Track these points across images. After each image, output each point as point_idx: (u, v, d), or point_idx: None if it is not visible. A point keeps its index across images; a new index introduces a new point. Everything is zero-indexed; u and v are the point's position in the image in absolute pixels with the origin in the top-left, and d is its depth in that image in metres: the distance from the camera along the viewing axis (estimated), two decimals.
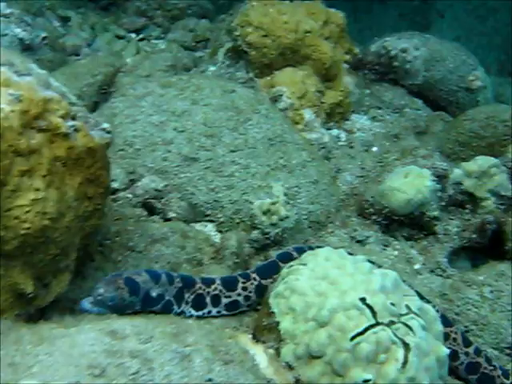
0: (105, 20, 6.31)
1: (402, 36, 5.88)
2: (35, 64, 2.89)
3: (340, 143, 5.20)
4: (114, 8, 6.74)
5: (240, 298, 3.30)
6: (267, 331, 2.98)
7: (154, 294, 2.95)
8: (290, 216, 4.17)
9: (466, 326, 3.80)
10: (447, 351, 2.93)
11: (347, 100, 5.41)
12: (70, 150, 2.73)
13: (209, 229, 4.02)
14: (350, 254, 3.36)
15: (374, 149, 5.20)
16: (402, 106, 5.73)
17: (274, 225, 4.10)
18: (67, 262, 2.78)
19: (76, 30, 5.84)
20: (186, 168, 4.10)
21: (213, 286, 3.22)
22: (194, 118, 4.28)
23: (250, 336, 2.98)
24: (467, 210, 4.50)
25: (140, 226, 3.60)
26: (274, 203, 4.13)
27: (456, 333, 3.45)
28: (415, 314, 2.90)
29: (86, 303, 2.77)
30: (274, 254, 3.91)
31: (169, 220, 3.90)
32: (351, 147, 5.19)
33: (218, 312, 3.25)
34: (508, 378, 3.47)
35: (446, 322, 3.44)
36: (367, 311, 2.79)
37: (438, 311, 3.26)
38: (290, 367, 2.82)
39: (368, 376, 2.66)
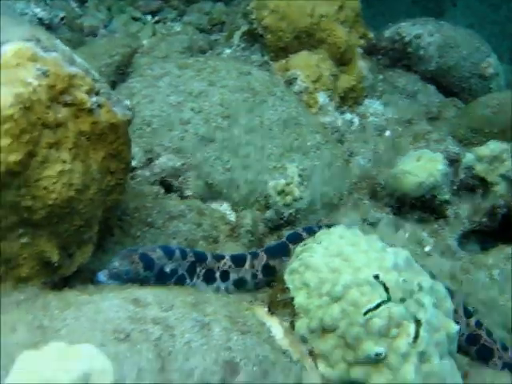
0: (121, 2, 6.32)
1: (416, 22, 5.89)
2: (59, 40, 2.96)
3: (353, 127, 5.25)
4: None
5: (247, 276, 3.39)
6: (282, 306, 3.03)
7: (167, 269, 3.04)
8: (303, 197, 4.24)
9: (474, 307, 3.83)
10: (457, 328, 2.98)
11: (361, 85, 5.44)
12: (93, 125, 2.81)
13: (224, 208, 4.09)
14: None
15: (387, 133, 5.23)
16: (415, 91, 5.75)
17: (287, 205, 4.17)
18: (90, 234, 2.86)
19: (93, 11, 5.89)
20: (202, 148, 4.16)
21: (222, 262, 3.31)
22: (210, 98, 4.34)
23: (266, 309, 3.04)
24: (478, 194, 4.55)
25: (158, 202, 3.68)
26: (288, 184, 4.20)
27: (458, 304, 3.50)
28: (426, 291, 2.94)
29: (102, 275, 2.84)
30: (286, 233, 4.01)
31: (185, 198, 3.97)
32: (364, 132, 5.23)
33: (226, 288, 3.33)
34: (507, 351, 3.55)
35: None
36: (380, 287, 2.83)
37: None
38: (304, 340, 2.88)
39: (380, 349, 2.70)
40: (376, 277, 2.87)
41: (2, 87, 2.38)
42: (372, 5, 7.69)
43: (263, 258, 3.43)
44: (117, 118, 2.96)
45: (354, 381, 2.73)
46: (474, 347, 3.51)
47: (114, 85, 4.58)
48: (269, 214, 4.13)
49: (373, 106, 5.51)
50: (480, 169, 4.51)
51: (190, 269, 3.17)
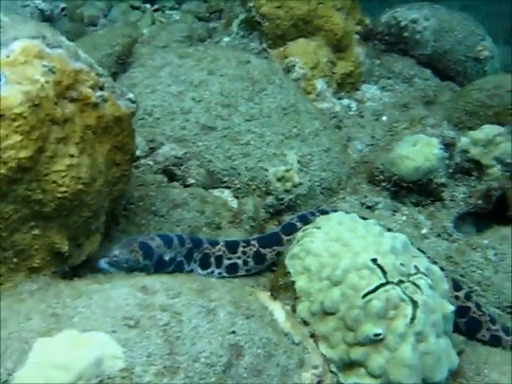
0: None
1: (412, 7, 5.92)
2: (64, 37, 3.03)
3: (351, 112, 5.31)
4: None
5: (239, 262, 3.48)
6: (283, 290, 3.12)
7: (166, 257, 3.13)
8: (303, 183, 4.33)
9: (470, 287, 3.93)
10: (452, 308, 3.07)
11: (358, 70, 5.51)
12: (99, 119, 2.90)
13: (226, 195, 4.19)
14: (363, 218, 3.52)
15: (384, 118, 5.29)
16: (412, 76, 5.79)
17: (287, 191, 4.26)
18: (97, 224, 2.97)
19: (92, 0, 5.92)
20: (203, 136, 4.25)
21: (217, 247, 3.41)
22: (210, 88, 4.42)
23: (269, 293, 3.12)
24: (473, 177, 4.63)
25: (161, 191, 3.77)
26: (288, 170, 4.28)
27: (446, 277, 3.52)
28: (423, 273, 3.03)
29: (103, 262, 2.90)
30: (287, 218, 4.10)
31: (188, 186, 4.06)
32: (361, 116, 5.29)
33: (220, 274, 3.43)
34: (495, 325, 3.63)
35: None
36: (378, 271, 2.92)
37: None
38: (305, 323, 2.98)
39: (378, 330, 2.79)
40: (374, 261, 2.95)
41: (11, 85, 2.46)
42: None
43: (255, 245, 3.52)
44: (121, 111, 3.05)
45: (354, 361, 2.83)
46: (462, 319, 3.56)
47: (115, 75, 4.62)
48: (269, 200, 4.22)
49: (370, 90, 5.58)
50: (475, 152, 4.57)
51: (188, 255, 3.26)
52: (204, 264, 3.36)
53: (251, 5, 5.25)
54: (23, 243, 2.63)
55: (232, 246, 3.47)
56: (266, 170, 4.28)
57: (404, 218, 4.52)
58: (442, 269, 3.56)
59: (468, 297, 3.65)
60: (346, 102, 5.39)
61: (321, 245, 3.14)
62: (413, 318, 2.84)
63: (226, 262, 3.44)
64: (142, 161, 4.01)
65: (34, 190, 2.55)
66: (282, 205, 4.27)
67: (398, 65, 5.84)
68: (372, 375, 2.82)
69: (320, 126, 4.69)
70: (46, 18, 4.86)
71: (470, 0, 8.62)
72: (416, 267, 3.06)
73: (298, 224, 3.60)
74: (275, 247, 3.57)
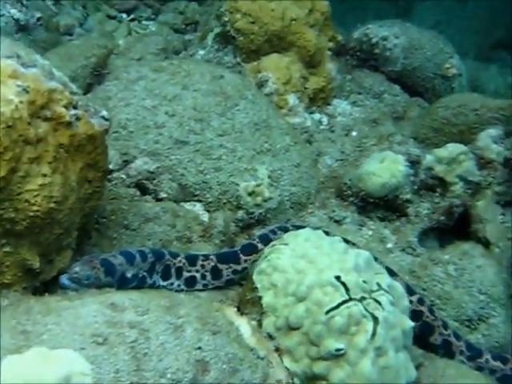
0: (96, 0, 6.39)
1: (383, 24, 6.00)
2: (38, 55, 3.07)
3: (322, 127, 5.38)
4: None
5: (198, 275, 3.51)
6: (250, 304, 3.20)
7: (129, 275, 3.13)
8: (273, 197, 4.40)
9: (432, 301, 4.05)
10: (412, 324, 3.17)
11: (329, 86, 5.58)
12: (72, 138, 2.95)
13: (197, 208, 4.24)
14: (328, 233, 3.60)
15: (354, 133, 5.37)
16: (382, 91, 5.87)
17: (258, 205, 4.34)
18: (69, 240, 3.03)
19: (68, 9, 5.93)
20: (176, 151, 4.30)
21: (178, 259, 3.44)
22: (184, 102, 4.46)
23: (235, 309, 3.20)
24: (437, 194, 4.70)
25: (134, 205, 3.82)
26: (258, 185, 4.35)
27: (400, 281, 3.59)
28: (385, 290, 3.12)
29: (65, 279, 2.90)
30: (257, 232, 4.19)
31: (160, 200, 4.12)
32: (332, 131, 5.36)
33: (179, 286, 3.45)
34: (447, 330, 3.72)
35: (391, 272, 3.61)
36: (341, 288, 3.01)
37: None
38: (270, 337, 3.06)
39: (340, 345, 2.88)
40: (338, 278, 3.04)
41: None
42: (343, 1, 7.84)
43: (213, 260, 3.57)
44: (94, 129, 3.10)
45: (317, 374, 2.92)
46: (416, 323, 3.50)
47: (90, 86, 4.67)
48: (240, 214, 4.28)
49: (341, 105, 5.65)
50: (439, 170, 4.66)
51: (150, 269, 3.28)
52: (165, 275, 3.39)
53: (226, 19, 5.30)
54: None
55: (192, 259, 3.51)
56: (237, 184, 4.34)
57: (370, 232, 4.60)
58: (393, 272, 3.69)
59: (421, 301, 3.73)
60: (317, 116, 5.47)
61: (287, 261, 3.21)
62: (373, 334, 2.93)
63: (186, 274, 3.47)
64: (115, 174, 4.05)
65: (7, 209, 2.61)
66: (252, 219, 4.34)
67: (369, 80, 5.92)
68: None
69: (291, 142, 4.76)
70: (22, 27, 4.87)
71: (442, 16, 8.82)
72: (378, 284, 3.15)
73: (259, 245, 3.67)
74: (232, 265, 3.61)
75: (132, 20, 6.35)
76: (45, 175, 2.71)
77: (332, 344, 2.90)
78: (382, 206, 4.69)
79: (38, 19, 5.07)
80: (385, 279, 3.25)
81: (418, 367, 3.28)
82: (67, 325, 2.50)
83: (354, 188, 4.68)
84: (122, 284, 3.09)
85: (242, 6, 5.27)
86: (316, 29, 5.47)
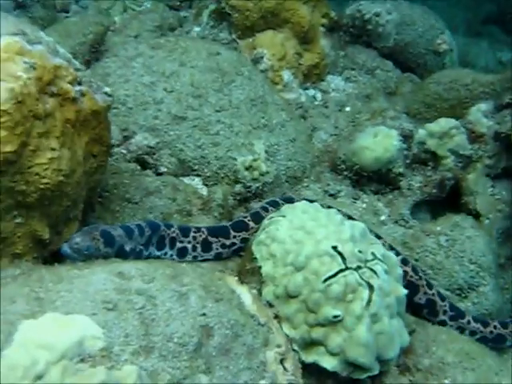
0: None
1: (375, 0, 6.08)
2: (42, 32, 3.14)
3: (316, 103, 5.48)
4: None
5: (189, 246, 3.56)
6: (250, 274, 3.31)
7: (127, 248, 3.18)
8: (269, 171, 4.51)
9: (423, 271, 4.16)
10: (405, 292, 3.30)
11: (323, 62, 5.66)
12: (77, 113, 3.03)
13: (196, 182, 4.34)
14: (328, 206, 3.70)
15: (347, 108, 5.45)
16: (374, 67, 5.95)
17: (255, 179, 4.44)
18: (76, 212, 3.12)
19: None
20: (175, 126, 4.38)
21: (172, 229, 3.50)
22: (181, 79, 4.54)
23: (236, 278, 3.31)
24: (429, 167, 4.79)
25: (135, 179, 3.91)
26: (255, 160, 4.45)
27: (384, 244, 3.73)
28: (379, 259, 3.23)
29: (66, 247, 2.97)
30: (254, 205, 4.29)
31: (160, 174, 4.21)
32: (326, 107, 5.44)
33: (171, 256, 3.50)
34: (431, 289, 3.83)
35: (377, 235, 3.73)
36: (338, 257, 3.12)
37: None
38: (270, 305, 3.17)
39: (337, 312, 3.00)
40: (334, 248, 3.15)
41: None
42: None
43: (204, 233, 3.62)
44: (98, 105, 3.18)
45: (315, 340, 3.04)
46: None
47: (88, 63, 4.71)
48: (238, 188, 4.39)
49: (334, 81, 5.74)
50: (431, 144, 4.74)
51: (147, 242, 3.35)
52: (159, 246, 3.45)
53: None
54: (7, 231, 2.77)
55: (185, 231, 3.57)
56: (235, 159, 4.43)
57: (364, 205, 4.71)
58: (378, 236, 3.76)
59: (405, 262, 3.82)
60: (311, 92, 5.56)
61: (285, 232, 3.31)
62: (369, 301, 3.05)
63: (178, 244, 3.53)
64: (116, 149, 4.12)
65: (18, 182, 2.69)
66: (249, 192, 4.44)
67: (362, 56, 5.99)
68: (331, 353, 3.03)
69: (286, 117, 4.85)
70: (20, 4, 4.90)
71: None
72: (373, 254, 3.26)
73: (250, 223, 3.75)
74: (221, 239, 3.67)
75: None
76: (53, 149, 2.79)
77: (329, 311, 3.01)
78: (376, 179, 4.79)
79: None
80: (379, 249, 3.37)
81: (410, 333, 3.41)
82: (78, 292, 2.59)
83: (348, 162, 4.78)
84: (120, 256, 3.13)
85: None
86: (310, 5, 5.52)
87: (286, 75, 5.31)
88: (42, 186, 2.77)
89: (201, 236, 3.60)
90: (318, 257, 3.13)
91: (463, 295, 4.18)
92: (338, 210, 3.65)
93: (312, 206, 3.58)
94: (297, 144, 4.82)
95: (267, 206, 3.88)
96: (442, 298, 3.89)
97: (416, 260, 4.27)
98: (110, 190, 3.76)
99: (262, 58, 5.26)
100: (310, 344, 3.08)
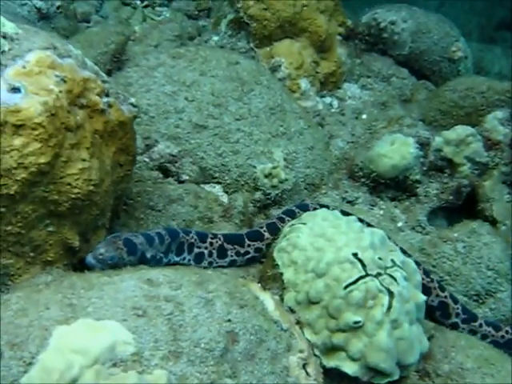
0: None
1: (391, 8, 6.12)
2: (71, 45, 3.23)
3: (332, 110, 5.53)
4: None
5: (206, 252, 3.63)
6: (272, 280, 3.37)
7: (148, 255, 3.24)
8: (288, 179, 4.57)
9: (441, 277, 4.23)
10: (424, 298, 3.34)
11: (340, 70, 5.72)
12: (105, 124, 3.12)
13: (216, 190, 4.42)
14: (348, 213, 3.75)
15: (364, 116, 5.50)
16: (390, 75, 6.01)
17: (274, 187, 4.51)
18: (104, 220, 3.20)
19: None
20: (196, 135, 4.46)
21: (190, 235, 3.57)
22: (202, 88, 4.61)
23: (259, 284, 3.35)
24: (446, 174, 4.82)
25: (158, 187, 3.99)
26: (274, 167, 4.52)
27: (396, 245, 3.73)
28: (399, 266, 3.28)
29: (91, 258, 3.02)
30: (274, 212, 4.36)
31: (182, 182, 4.28)
32: (343, 114, 5.50)
33: (189, 260, 3.56)
34: (443, 291, 3.88)
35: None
36: (358, 264, 3.16)
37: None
38: (291, 311, 3.21)
39: (358, 318, 3.04)
40: (355, 255, 3.20)
41: (30, 96, 2.68)
42: None
43: (221, 239, 3.70)
44: (124, 115, 3.27)
45: (336, 345, 3.09)
46: None
47: (109, 73, 4.75)
48: (257, 195, 4.46)
49: (351, 89, 5.80)
50: (448, 151, 4.78)
51: (166, 250, 3.41)
52: (179, 251, 3.50)
53: (239, 6, 5.43)
54: (39, 239, 2.86)
55: (202, 236, 3.63)
56: (255, 166, 4.50)
57: (381, 212, 4.75)
58: (388, 237, 3.74)
59: (416, 264, 3.78)
60: (328, 100, 5.62)
61: (306, 240, 3.36)
62: (389, 307, 3.08)
63: (196, 250, 3.58)
64: (139, 157, 4.17)
65: (51, 192, 2.78)
66: (268, 199, 4.51)
67: (377, 64, 6.05)
68: (352, 358, 3.07)
69: (304, 125, 4.92)
70: (43, 16, 4.99)
71: None
72: (392, 260, 3.31)
73: (265, 234, 3.83)
74: (236, 246, 3.74)
75: (146, 6, 6.43)
76: (84, 160, 2.88)
77: (350, 317, 3.06)
78: (393, 186, 4.83)
79: (58, 7, 5.18)
80: (398, 256, 3.41)
81: (429, 339, 3.44)
82: (109, 298, 2.67)
83: (365, 169, 4.83)
84: (141, 263, 3.18)
85: None
86: (326, 14, 5.58)
87: (304, 83, 5.38)
88: (73, 196, 2.85)
89: (217, 242, 3.68)
90: (338, 264, 3.18)
91: (480, 301, 4.21)
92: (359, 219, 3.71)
93: (332, 213, 3.63)
94: (315, 151, 4.89)
95: (284, 216, 3.93)
96: (455, 301, 3.92)
97: (433, 266, 4.31)
98: (134, 198, 3.83)
99: (280, 66, 5.33)
100: (331, 349, 3.12)
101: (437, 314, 3.88)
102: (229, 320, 2.82)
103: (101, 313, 2.61)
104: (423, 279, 3.79)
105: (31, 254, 2.87)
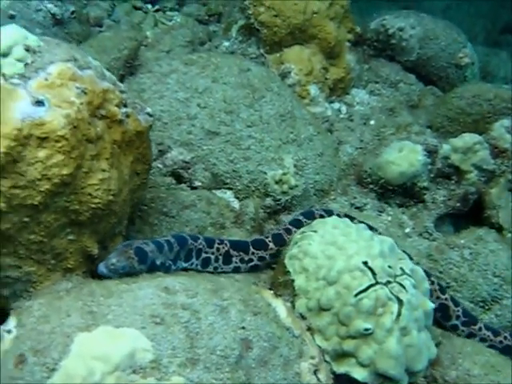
0: None
1: (399, 15, 6.15)
2: (89, 56, 3.28)
3: (341, 116, 5.57)
4: None
5: (212, 257, 3.67)
6: (283, 287, 3.42)
7: (158, 262, 3.27)
8: (298, 185, 4.62)
9: (447, 283, 4.27)
10: (432, 305, 3.39)
11: (349, 76, 5.76)
12: (124, 134, 3.18)
13: (228, 196, 4.48)
14: (351, 217, 3.83)
15: (372, 122, 5.54)
16: (397, 81, 6.04)
17: (284, 193, 4.56)
18: (121, 228, 3.27)
19: (97, 1, 6.09)
20: (208, 141, 4.51)
21: (198, 241, 3.60)
22: (214, 95, 4.66)
23: (271, 292, 3.40)
24: (453, 182, 4.86)
25: (171, 193, 4.04)
26: (285, 174, 4.57)
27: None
28: (407, 274, 3.32)
29: (103, 267, 3.07)
30: (284, 218, 4.43)
31: (195, 188, 4.35)
32: (351, 120, 5.54)
33: (196, 265, 3.60)
34: (444, 294, 3.92)
35: None
36: (369, 272, 3.21)
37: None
38: (302, 317, 3.27)
39: (368, 325, 3.09)
40: (365, 263, 3.25)
41: (53, 109, 2.75)
42: None
43: (227, 245, 3.74)
44: (141, 125, 3.32)
45: (346, 352, 3.14)
46: None
47: (122, 78, 4.83)
48: (268, 201, 4.52)
49: (359, 95, 5.84)
50: (455, 158, 4.83)
51: (175, 257, 3.45)
52: (187, 258, 3.54)
53: (250, 12, 5.48)
54: (60, 247, 2.93)
55: (210, 241, 3.68)
56: (265, 173, 4.56)
57: (389, 218, 4.81)
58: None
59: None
60: (336, 105, 5.66)
61: (317, 247, 3.41)
62: (398, 315, 3.13)
63: (203, 255, 3.62)
64: (152, 164, 4.25)
65: (72, 202, 2.85)
66: (278, 205, 4.56)
67: (385, 70, 6.08)
68: (361, 365, 3.12)
69: (314, 131, 4.97)
70: (58, 21, 5.04)
71: (452, 0, 8.90)
72: (402, 269, 3.35)
73: (270, 244, 3.88)
74: (241, 253, 3.78)
75: (157, 11, 6.49)
76: (104, 170, 2.95)
77: (360, 324, 3.11)
78: (401, 192, 4.88)
79: (72, 13, 5.23)
80: (407, 264, 3.46)
81: (437, 345, 3.48)
82: (128, 306, 2.74)
83: (373, 176, 4.88)
84: (151, 270, 3.23)
85: None
86: (336, 21, 5.62)
87: (313, 89, 5.43)
88: (93, 206, 2.92)
89: (223, 248, 3.72)
90: (349, 272, 3.23)
91: (486, 307, 4.26)
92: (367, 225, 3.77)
93: (342, 221, 3.68)
94: (324, 158, 4.94)
95: (290, 227, 3.97)
96: (456, 304, 3.97)
97: (440, 272, 4.35)
98: (148, 204, 3.89)
99: (290, 72, 5.38)
100: (341, 355, 3.17)
101: (437, 316, 3.89)
102: (243, 327, 2.89)
103: (120, 320, 2.68)
104: None
105: (52, 262, 2.94)
